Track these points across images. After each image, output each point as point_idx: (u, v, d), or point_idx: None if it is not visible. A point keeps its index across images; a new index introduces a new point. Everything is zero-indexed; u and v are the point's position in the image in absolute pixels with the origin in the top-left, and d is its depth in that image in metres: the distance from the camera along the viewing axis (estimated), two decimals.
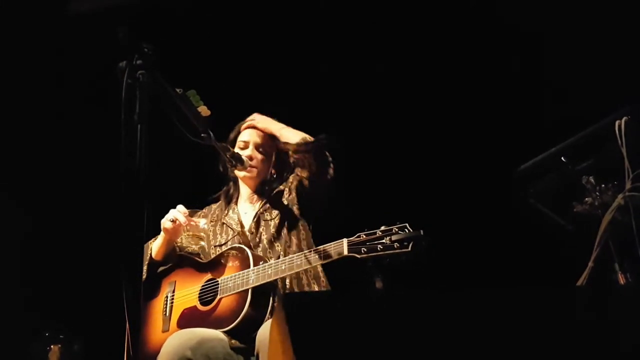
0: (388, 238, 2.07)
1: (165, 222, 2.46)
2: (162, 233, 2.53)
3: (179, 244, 2.65)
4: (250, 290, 2.25)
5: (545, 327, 1.24)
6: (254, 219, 2.60)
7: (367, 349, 1.19)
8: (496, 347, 1.23)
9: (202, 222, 2.48)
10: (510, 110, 3.40)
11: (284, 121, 2.75)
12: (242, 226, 2.61)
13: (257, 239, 2.54)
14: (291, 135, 2.60)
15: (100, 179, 3.49)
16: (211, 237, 2.66)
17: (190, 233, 2.43)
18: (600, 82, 3.05)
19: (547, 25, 3.34)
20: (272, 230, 2.53)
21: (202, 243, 2.49)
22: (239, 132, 2.74)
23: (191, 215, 2.48)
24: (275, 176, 2.72)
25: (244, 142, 2.68)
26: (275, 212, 2.59)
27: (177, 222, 2.44)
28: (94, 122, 3.59)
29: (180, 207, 2.46)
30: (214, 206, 2.80)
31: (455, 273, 3.34)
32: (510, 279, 3.14)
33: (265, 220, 2.58)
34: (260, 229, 2.55)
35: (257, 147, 2.67)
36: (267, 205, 2.62)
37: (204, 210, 2.79)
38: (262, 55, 3.89)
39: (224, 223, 2.66)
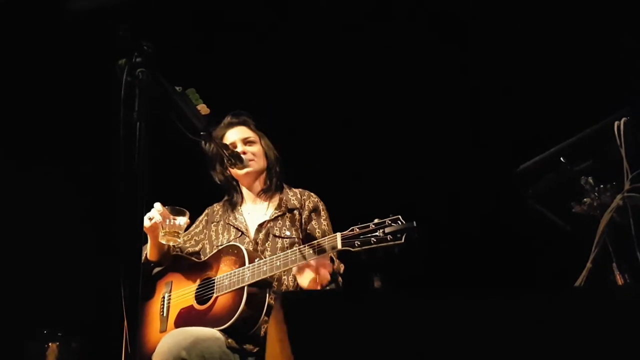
0: (381, 230, 2.07)
1: (145, 221, 2.43)
2: None
3: (178, 245, 2.66)
4: (245, 288, 2.25)
5: (543, 328, 1.24)
6: (263, 226, 2.58)
7: (365, 347, 1.19)
8: (493, 347, 1.23)
9: (180, 219, 2.44)
10: (510, 110, 3.41)
11: (281, 116, 2.76)
12: (246, 228, 2.61)
13: (261, 251, 2.52)
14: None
15: (99, 177, 3.49)
16: (213, 238, 2.66)
17: (167, 231, 2.41)
18: (599, 83, 3.06)
19: (547, 24, 3.34)
20: (279, 252, 2.49)
21: (180, 240, 2.47)
22: (222, 137, 2.70)
23: (173, 213, 2.46)
24: (270, 166, 2.71)
25: (232, 143, 2.65)
26: (286, 232, 2.55)
27: (154, 220, 2.42)
28: (93, 120, 3.58)
29: (157, 205, 2.44)
30: (216, 207, 2.80)
31: (454, 272, 3.34)
32: (508, 279, 3.15)
33: (275, 236, 2.55)
34: (267, 243, 2.54)
35: (244, 141, 2.67)
36: (279, 221, 2.59)
37: (206, 211, 2.80)
38: (261, 54, 3.89)
39: (227, 224, 2.66)
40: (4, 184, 3.80)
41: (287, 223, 2.57)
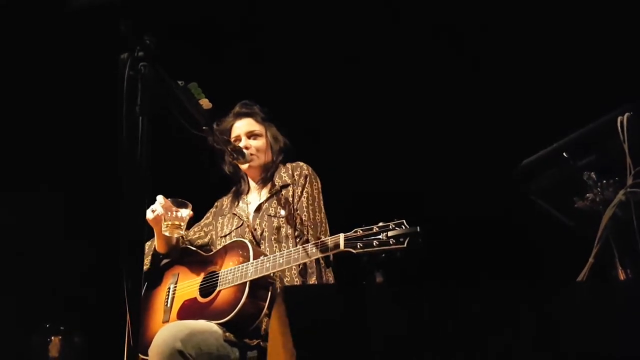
0: (384, 234, 2.07)
1: (148, 213, 2.46)
2: None
3: (188, 237, 2.71)
4: (248, 283, 2.26)
5: (545, 323, 1.24)
6: (257, 210, 2.61)
7: (367, 342, 1.19)
8: (496, 343, 1.23)
9: (182, 211, 2.46)
10: (512, 106, 3.40)
11: (282, 115, 2.77)
12: (247, 217, 2.64)
13: (260, 235, 2.54)
14: None
15: (100, 171, 3.50)
16: (219, 229, 2.70)
17: (170, 223, 2.43)
18: (602, 78, 3.05)
19: (550, 20, 3.33)
20: (275, 231, 2.53)
21: (182, 232, 2.49)
22: (230, 127, 2.72)
23: (176, 205, 2.47)
24: (274, 159, 2.72)
25: (236, 136, 2.68)
26: (280, 211, 2.57)
27: (156, 212, 2.45)
28: (95, 115, 3.59)
29: (159, 198, 2.47)
30: (225, 200, 2.83)
31: (456, 268, 3.35)
32: (510, 274, 3.15)
33: (269, 216, 2.57)
34: (264, 224, 2.56)
35: (249, 135, 2.68)
36: (274, 200, 2.61)
37: (216, 203, 2.84)
38: (264, 48, 3.89)
39: (234, 213, 2.69)
40: (5, 179, 3.81)
41: (282, 201, 2.58)
